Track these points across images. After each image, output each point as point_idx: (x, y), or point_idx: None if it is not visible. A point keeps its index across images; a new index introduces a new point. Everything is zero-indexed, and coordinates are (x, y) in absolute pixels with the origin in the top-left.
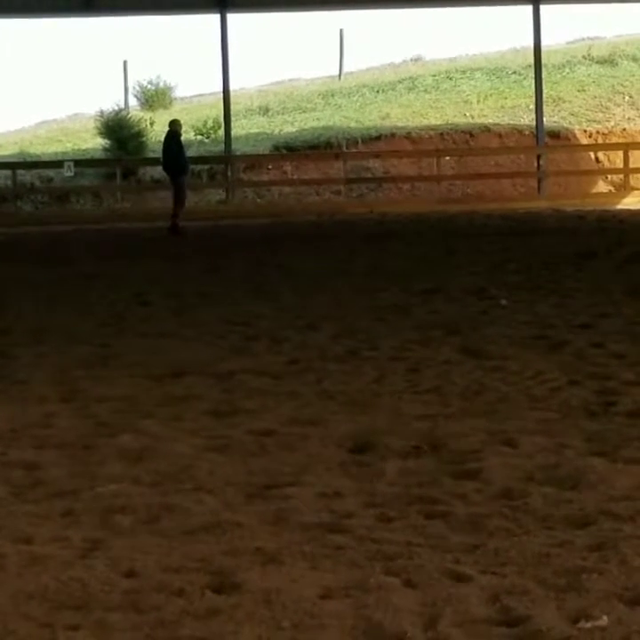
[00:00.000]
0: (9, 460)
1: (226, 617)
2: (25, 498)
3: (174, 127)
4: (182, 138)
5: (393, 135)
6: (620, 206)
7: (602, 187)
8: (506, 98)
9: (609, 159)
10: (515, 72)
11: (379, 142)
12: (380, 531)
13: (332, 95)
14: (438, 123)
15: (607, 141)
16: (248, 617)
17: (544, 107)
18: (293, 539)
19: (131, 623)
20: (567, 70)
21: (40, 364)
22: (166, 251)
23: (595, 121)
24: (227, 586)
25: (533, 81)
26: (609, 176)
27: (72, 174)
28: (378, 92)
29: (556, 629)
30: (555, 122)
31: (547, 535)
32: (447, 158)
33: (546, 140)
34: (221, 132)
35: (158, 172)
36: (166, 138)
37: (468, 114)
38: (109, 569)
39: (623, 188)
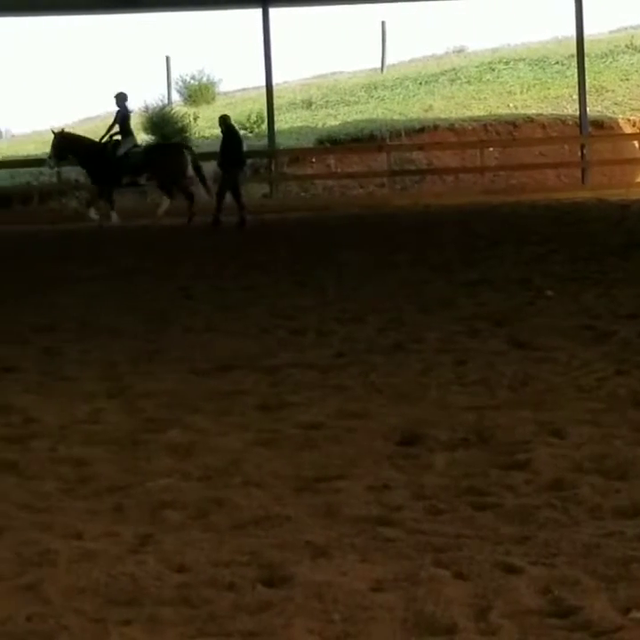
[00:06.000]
0: (58, 457)
1: (277, 610)
2: (75, 494)
3: (231, 122)
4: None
5: (436, 127)
6: None
7: None
8: (549, 88)
9: None
10: (557, 62)
11: (422, 134)
12: (429, 523)
13: (375, 88)
14: (481, 114)
15: None
16: (299, 610)
17: (587, 96)
18: (343, 532)
19: (182, 618)
20: (610, 59)
21: (86, 361)
22: (210, 245)
23: (638, 110)
24: (277, 579)
25: (576, 71)
26: None
27: None
28: (421, 83)
29: (607, 620)
30: (598, 111)
31: (596, 526)
32: (491, 149)
33: (589, 130)
34: (265, 126)
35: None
36: (234, 132)
37: (511, 105)
38: (160, 564)
39: None
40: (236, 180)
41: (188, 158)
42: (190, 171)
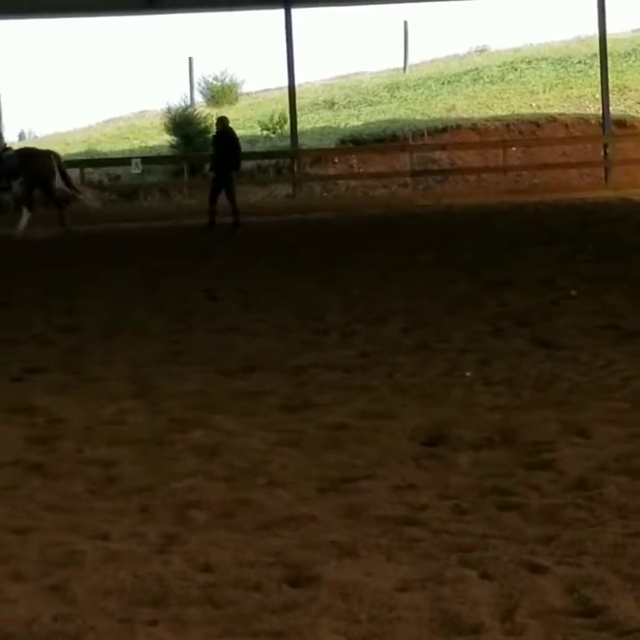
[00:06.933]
0: (85, 458)
1: (303, 611)
2: (101, 494)
3: (228, 124)
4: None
5: (459, 127)
6: None
7: None
8: (571, 87)
9: None
10: (580, 61)
11: (445, 134)
12: (454, 523)
13: (398, 88)
14: (504, 113)
15: None
16: (325, 610)
17: (610, 95)
18: (368, 532)
19: (208, 618)
20: (633, 58)
21: (112, 362)
22: (234, 246)
23: None
24: (303, 579)
25: (599, 70)
26: None
27: (139, 171)
28: (443, 83)
29: (633, 619)
30: (621, 111)
31: (622, 525)
32: (513, 149)
33: (612, 129)
34: (287, 126)
35: None
36: (233, 135)
37: (533, 104)
38: (186, 564)
39: None
40: (231, 183)
41: (55, 164)
42: (57, 177)
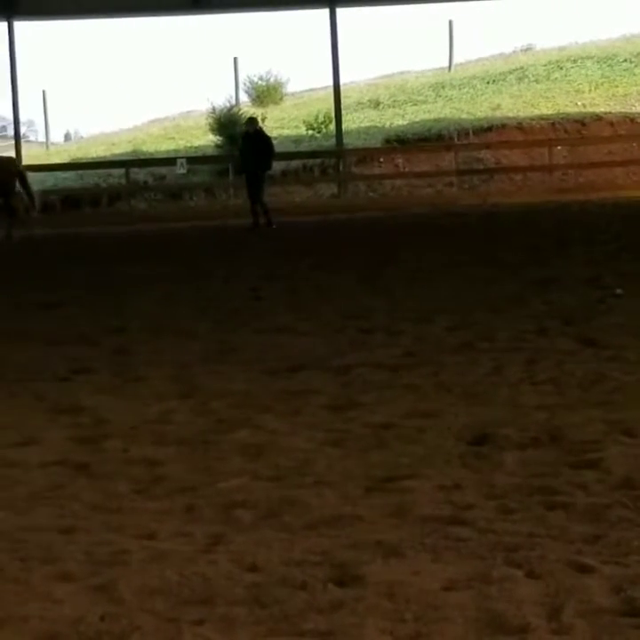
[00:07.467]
0: (130, 457)
1: (349, 610)
2: (147, 494)
3: (257, 125)
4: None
5: (504, 126)
6: None
7: None
8: (617, 86)
9: None
10: (626, 60)
11: (490, 133)
12: (500, 522)
13: (443, 87)
14: (549, 112)
15: None
16: (371, 610)
17: None
18: (414, 531)
19: (255, 617)
20: None
21: (158, 361)
22: (279, 245)
23: None
24: (349, 579)
25: None
26: None
27: (185, 171)
28: (488, 82)
29: None
30: None
31: None
32: (559, 148)
33: None
34: (332, 126)
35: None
36: (265, 135)
37: (579, 103)
38: (232, 563)
39: None
40: (262, 184)
41: (17, 170)
42: (17, 185)
